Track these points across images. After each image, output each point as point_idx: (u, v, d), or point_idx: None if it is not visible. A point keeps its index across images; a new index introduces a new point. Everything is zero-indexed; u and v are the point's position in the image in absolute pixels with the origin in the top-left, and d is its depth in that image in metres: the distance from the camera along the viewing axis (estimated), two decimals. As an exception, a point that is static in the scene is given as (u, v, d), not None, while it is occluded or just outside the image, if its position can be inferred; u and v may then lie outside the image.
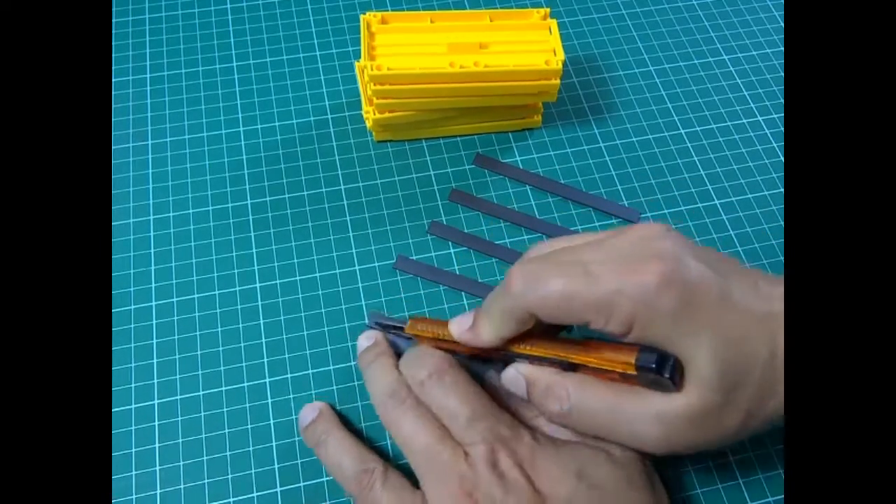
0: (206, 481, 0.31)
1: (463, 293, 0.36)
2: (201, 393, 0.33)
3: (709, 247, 0.27)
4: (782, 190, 0.40)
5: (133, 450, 0.31)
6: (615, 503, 0.26)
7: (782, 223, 0.38)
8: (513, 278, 0.26)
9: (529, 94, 0.38)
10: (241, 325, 0.35)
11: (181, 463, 0.31)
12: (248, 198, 0.39)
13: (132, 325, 0.35)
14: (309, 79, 0.44)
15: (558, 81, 0.37)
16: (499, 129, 0.42)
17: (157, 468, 0.31)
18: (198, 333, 0.34)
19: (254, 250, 0.37)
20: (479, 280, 0.36)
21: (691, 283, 0.24)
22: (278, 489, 0.31)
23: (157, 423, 0.32)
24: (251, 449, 0.31)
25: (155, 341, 0.34)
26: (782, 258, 0.37)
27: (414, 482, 0.28)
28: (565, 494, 0.25)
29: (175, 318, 0.35)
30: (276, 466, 0.31)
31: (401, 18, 0.39)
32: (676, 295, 0.24)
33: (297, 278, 0.36)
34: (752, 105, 0.43)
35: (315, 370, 0.33)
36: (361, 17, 0.38)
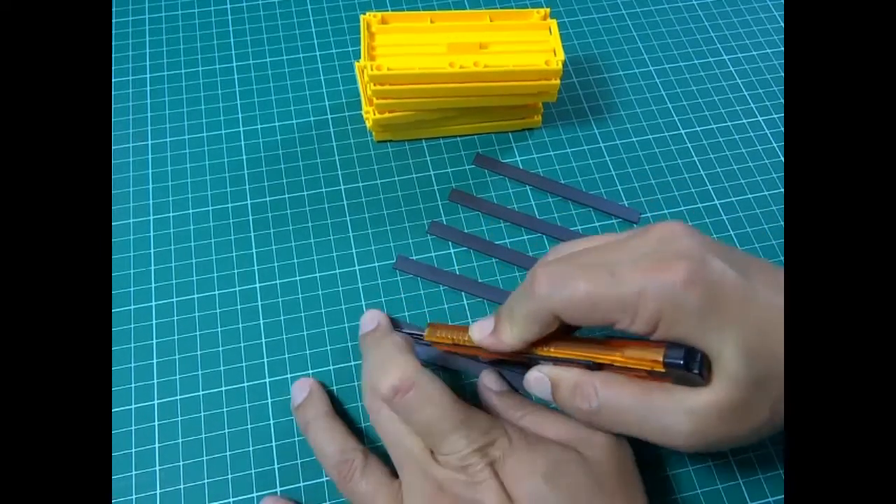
0: (206, 481, 0.31)
1: (463, 293, 0.36)
2: (201, 393, 0.33)
3: (729, 244, 0.27)
4: (782, 190, 0.40)
5: (133, 450, 0.31)
6: None
7: (782, 223, 0.38)
8: (537, 281, 0.26)
9: (529, 94, 0.38)
10: (240, 325, 0.35)
11: (181, 463, 0.31)
12: (248, 198, 0.39)
13: (132, 325, 0.35)
14: (309, 79, 0.44)
15: (558, 81, 0.37)
16: (499, 129, 0.42)
17: (157, 468, 0.31)
18: (198, 333, 0.34)
19: (254, 250, 0.37)
20: (479, 280, 0.36)
21: (716, 280, 0.24)
22: (278, 489, 0.31)
23: (156, 423, 0.32)
24: (251, 449, 0.32)
25: (155, 341, 0.34)
26: (782, 258, 0.37)
27: (394, 470, 0.28)
28: (533, 495, 0.26)
29: (175, 318, 0.35)
30: (276, 466, 0.31)
31: (401, 18, 0.39)
32: (702, 292, 0.24)
33: (297, 278, 0.36)
34: (752, 105, 0.43)
35: (315, 370, 0.33)
36: (361, 17, 0.38)
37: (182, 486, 0.31)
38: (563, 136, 0.42)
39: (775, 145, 0.42)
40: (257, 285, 0.36)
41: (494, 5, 0.49)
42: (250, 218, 0.38)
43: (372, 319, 0.33)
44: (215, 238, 0.37)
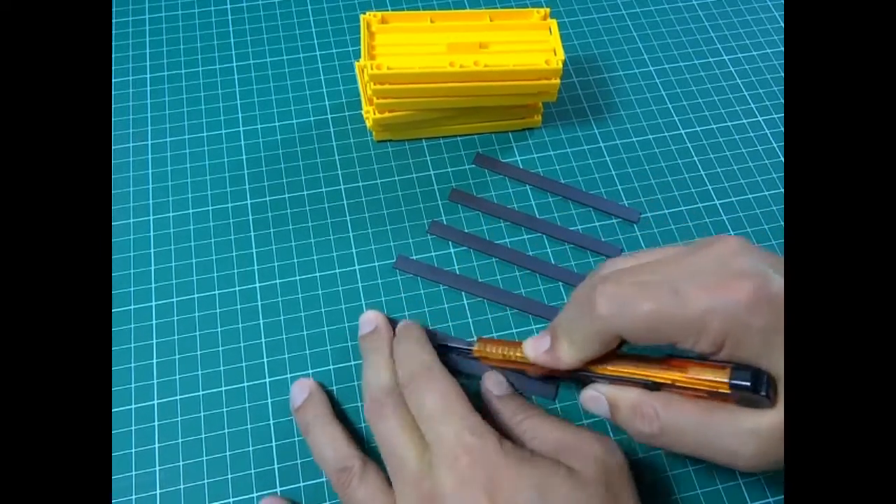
0: (205, 481, 0.31)
1: (463, 293, 0.36)
2: (201, 393, 0.33)
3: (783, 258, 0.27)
4: (782, 190, 0.40)
5: (133, 450, 0.31)
6: None
7: (782, 223, 0.38)
8: (598, 301, 0.26)
9: (529, 93, 0.38)
10: (240, 325, 0.35)
11: (181, 463, 0.31)
12: (248, 198, 0.39)
13: (132, 325, 0.35)
14: (309, 79, 0.44)
15: (558, 81, 0.37)
16: (499, 129, 0.42)
17: (157, 468, 0.31)
18: (198, 333, 0.34)
19: (254, 250, 0.37)
20: (479, 280, 0.36)
21: (780, 299, 0.24)
22: (278, 489, 0.31)
23: (156, 423, 0.32)
24: (251, 449, 0.31)
25: (155, 341, 0.34)
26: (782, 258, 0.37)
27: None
28: None
29: (175, 318, 0.35)
30: (276, 466, 0.31)
31: (401, 18, 0.39)
32: (767, 311, 0.24)
33: (297, 278, 0.36)
34: (752, 105, 0.43)
35: (315, 370, 0.33)
36: (361, 16, 0.38)
37: (182, 487, 0.31)
38: (563, 135, 0.42)
39: (775, 145, 0.42)
40: (257, 285, 0.36)
41: (494, 5, 0.49)
42: (250, 218, 0.38)
43: (370, 321, 0.33)
44: (215, 238, 0.37)
